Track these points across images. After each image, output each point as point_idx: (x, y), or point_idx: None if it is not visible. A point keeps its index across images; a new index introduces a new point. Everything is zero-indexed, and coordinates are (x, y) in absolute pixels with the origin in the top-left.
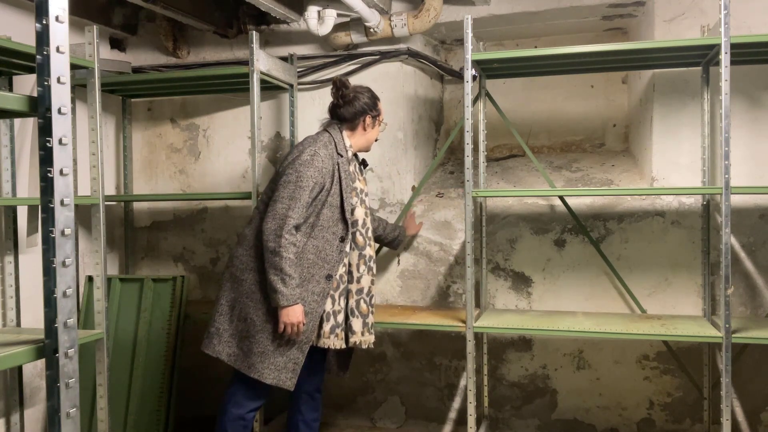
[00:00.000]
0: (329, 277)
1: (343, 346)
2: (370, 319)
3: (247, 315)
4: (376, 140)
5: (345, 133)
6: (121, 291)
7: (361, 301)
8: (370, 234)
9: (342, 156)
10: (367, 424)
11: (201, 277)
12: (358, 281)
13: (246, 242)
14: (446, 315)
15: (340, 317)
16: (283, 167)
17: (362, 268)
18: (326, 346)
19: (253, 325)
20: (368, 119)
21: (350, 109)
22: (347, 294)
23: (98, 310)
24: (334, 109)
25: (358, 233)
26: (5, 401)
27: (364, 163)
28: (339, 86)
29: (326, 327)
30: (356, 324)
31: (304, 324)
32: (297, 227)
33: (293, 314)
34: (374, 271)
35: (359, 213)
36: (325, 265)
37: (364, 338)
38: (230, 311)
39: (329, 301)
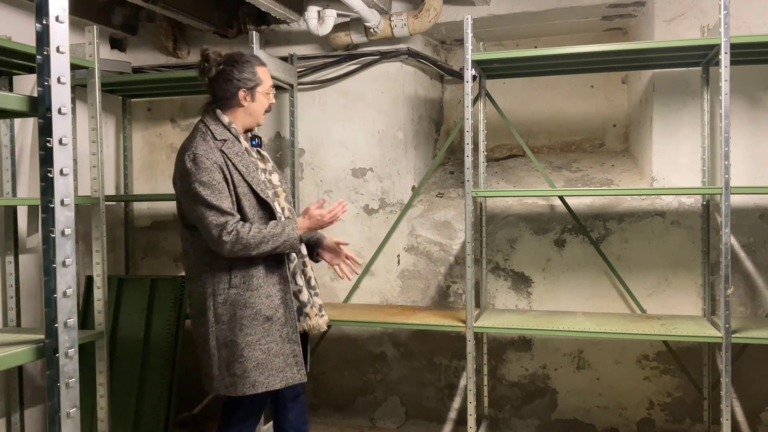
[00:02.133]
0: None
1: (320, 323)
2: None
3: (225, 339)
4: (268, 111)
5: (219, 112)
6: (121, 291)
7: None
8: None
9: (225, 140)
10: (367, 424)
11: None
12: None
13: (190, 273)
14: (446, 315)
15: (304, 295)
16: (182, 189)
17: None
18: (302, 330)
19: (236, 346)
20: (242, 94)
21: (218, 87)
22: (294, 277)
23: (98, 310)
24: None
25: None
26: (5, 401)
27: (257, 142)
28: (201, 59)
29: None
30: None
31: (326, 209)
32: (237, 221)
33: (313, 223)
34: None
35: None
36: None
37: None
38: (207, 344)
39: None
